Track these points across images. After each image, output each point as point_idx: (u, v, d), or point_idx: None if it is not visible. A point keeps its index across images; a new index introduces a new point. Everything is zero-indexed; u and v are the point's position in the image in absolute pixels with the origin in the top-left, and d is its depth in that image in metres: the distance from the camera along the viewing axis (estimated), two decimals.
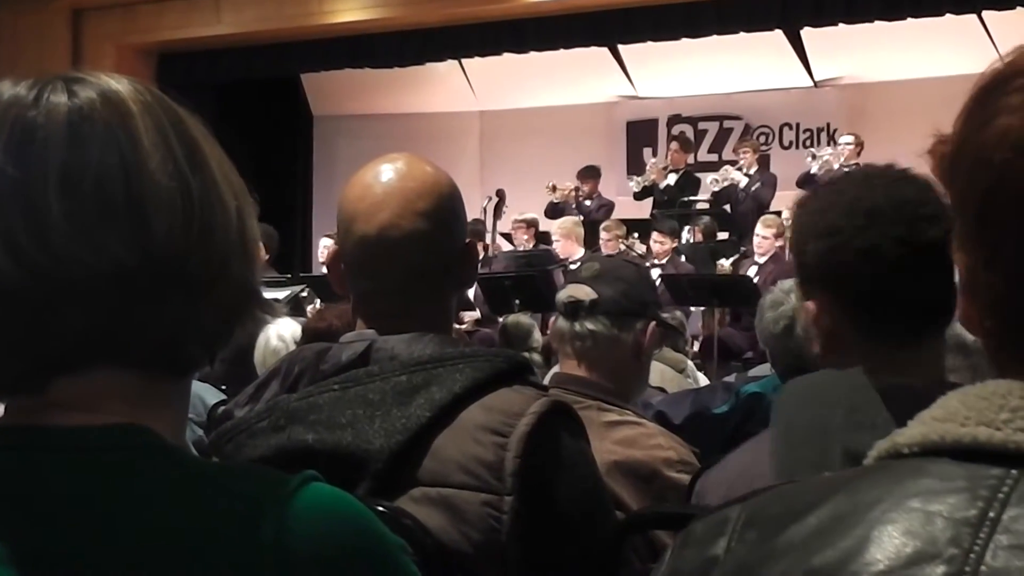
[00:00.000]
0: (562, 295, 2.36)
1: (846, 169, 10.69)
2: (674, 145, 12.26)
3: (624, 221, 10.85)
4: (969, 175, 0.75)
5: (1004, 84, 0.74)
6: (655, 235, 10.11)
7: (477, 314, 9.33)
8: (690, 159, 12.36)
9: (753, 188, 11.11)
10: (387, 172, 1.64)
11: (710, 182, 11.44)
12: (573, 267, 8.69)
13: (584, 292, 2.33)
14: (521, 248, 10.78)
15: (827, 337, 1.54)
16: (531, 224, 10.98)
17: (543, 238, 10.84)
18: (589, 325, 2.33)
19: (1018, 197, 0.71)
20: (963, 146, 0.76)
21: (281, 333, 3.86)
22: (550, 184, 12.04)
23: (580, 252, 9.75)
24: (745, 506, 0.77)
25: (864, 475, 0.73)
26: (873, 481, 0.71)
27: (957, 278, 0.81)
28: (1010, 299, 0.74)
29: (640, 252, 10.03)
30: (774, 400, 1.42)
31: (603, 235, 10.22)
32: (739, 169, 11.32)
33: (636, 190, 11.98)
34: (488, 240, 11.34)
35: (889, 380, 1.34)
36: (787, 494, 0.76)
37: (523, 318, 5.72)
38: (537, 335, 5.31)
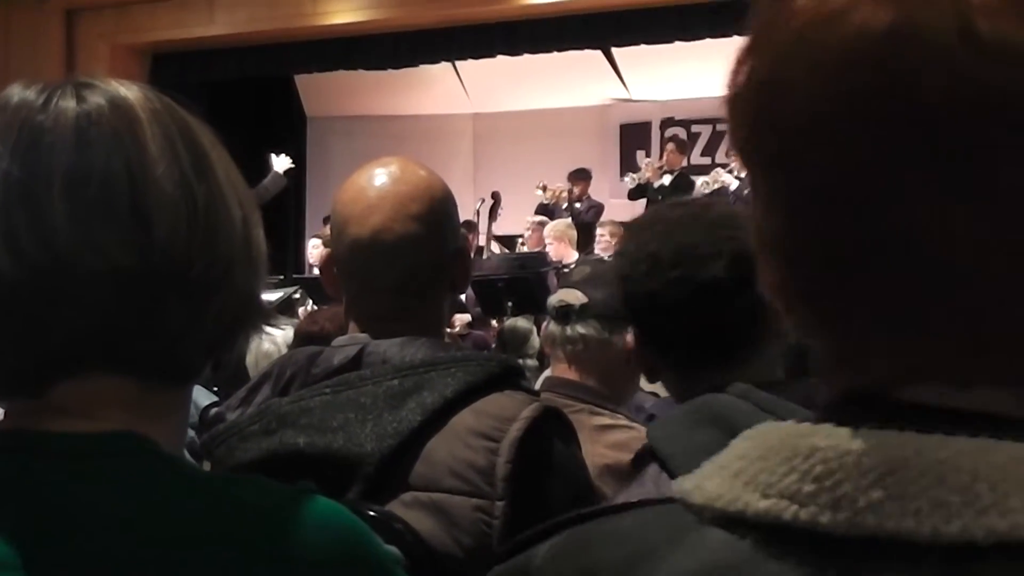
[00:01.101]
0: (553, 299, 2.37)
1: None
2: (670, 146, 12.28)
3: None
4: (738, 106, 0.65)
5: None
6: None
7: (468, 318, 9.32)
8: (684, 161, 12.39)
9: (745, 192, 11.12)
10: (380, 175, 1.64)
11: (700, 185, 11.46)
12: (566, 270, 8.70)
13: (575, 296, 2.33)
14: (516, 251, 10.78)
15: (645, 367, 1.69)
16: (543, 226, 10.96)
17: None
18: (580, 329, 2.33)
19: (782, 117, 0.61)
20: (737, 74, 0.66)
21: (273, 336, 3.86)
22: (541, 183, 12.05)
23: (573, 255, 9.75)
24: (550, 555, 0.71)
25: (672, 543, 0.63)
26: (682, 554, 0.62)
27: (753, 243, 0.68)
28: (789, 244, 0.63)
29: None
30: (650, 438, 1.46)
31: (599, 231, 10.23)
32: (730, 171, 11.34)
33: (631, 186, 12.01)
34: (482, 242, 11.34)
35: (745, 387, 1.43)
36: (595, 543, 0.68)
37: (521, 322, 5.69)
38: (535, 340, 5.27)
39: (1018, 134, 0.56)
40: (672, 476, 1.35)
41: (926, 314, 0.59)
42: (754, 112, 0.63)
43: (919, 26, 0.57)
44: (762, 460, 0.62)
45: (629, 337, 1.67)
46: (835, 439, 0.59)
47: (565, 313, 2.33)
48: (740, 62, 0.65)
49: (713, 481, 0.63)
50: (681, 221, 1.61)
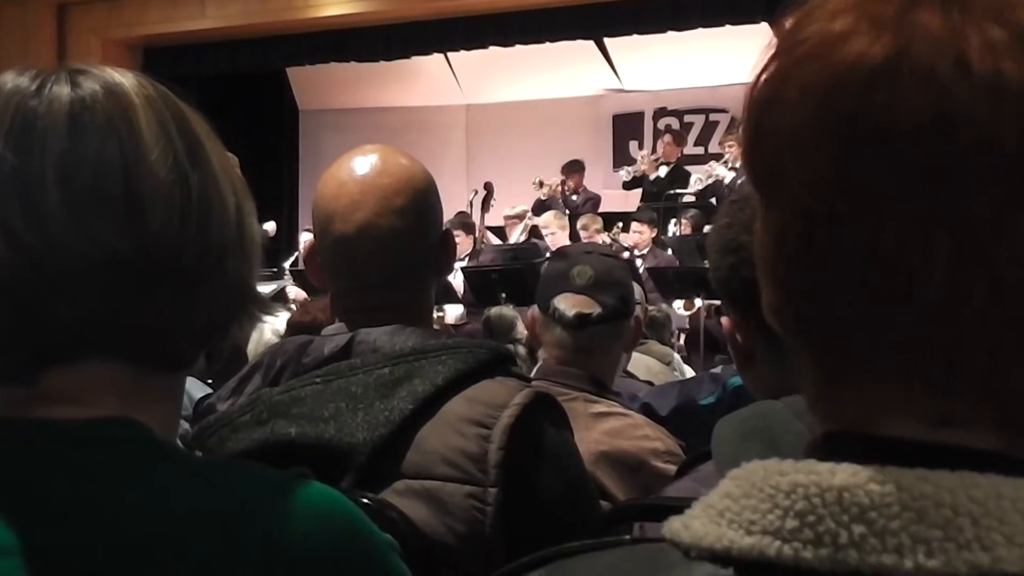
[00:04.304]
0: (566, 310, 2.32)
1: None
2: (667, 138, 12.31)
3: (609, 214, 10.89)
4: (746, 123, 0.65)
5: (795, 28, 0.64)
6: (634, 225, 10.16)
7: (460, 309, 9.30)
8: (680, 152, 12.40)
9: (739, 182, 11.12)
10: (361, 167, 1.62)
11: (694, 181, 11.46)
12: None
13: (589, 305, 2.31)
14: (510, 242, 10.78)
15: (740, 354, 1.56)
16: (522, 217, 10.97)
17: (536, 230, 10.82)
18: (596, 337, 2.32)
19: (775, 135, 0.61)
20: (748, 98, 0.65)
21: (276, 327, 3.84)
22: (537, 180, 12.05)
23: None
24: None
25: (663, 572, 0.64)
26: None
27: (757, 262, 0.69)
28: (776, 260, 0.63)
29: (626, 246, 10.05)
30: (714, 436, 1.41)
31: (582, 233, 10.26)
32: (724, 163, 11.34)
33: (626, 179, 12.02)
34: (476, 233, 11.33)
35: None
36: (588, 572, 0.69)
37: (506, 310, 5.70)
38: (520, 327, 5.28)
39: (1000, 168, 0.56)
40: None
41: (902, 346, 0.59)
42: (753, 129, 0.63)
43: (912, 55, 0.57)
44: (746, 498, 0.62)
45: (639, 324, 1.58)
46: (816, 475, 0.60)
47: (582, 323, 2.31)
48: (755, 78, 0.66)
49: (700, 520, 0.64)
50: None
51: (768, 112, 0.62)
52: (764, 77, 0.64)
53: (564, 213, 11.02)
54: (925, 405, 0.60)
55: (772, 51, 0.65)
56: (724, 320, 1.56)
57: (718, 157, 11.65)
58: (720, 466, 1.31)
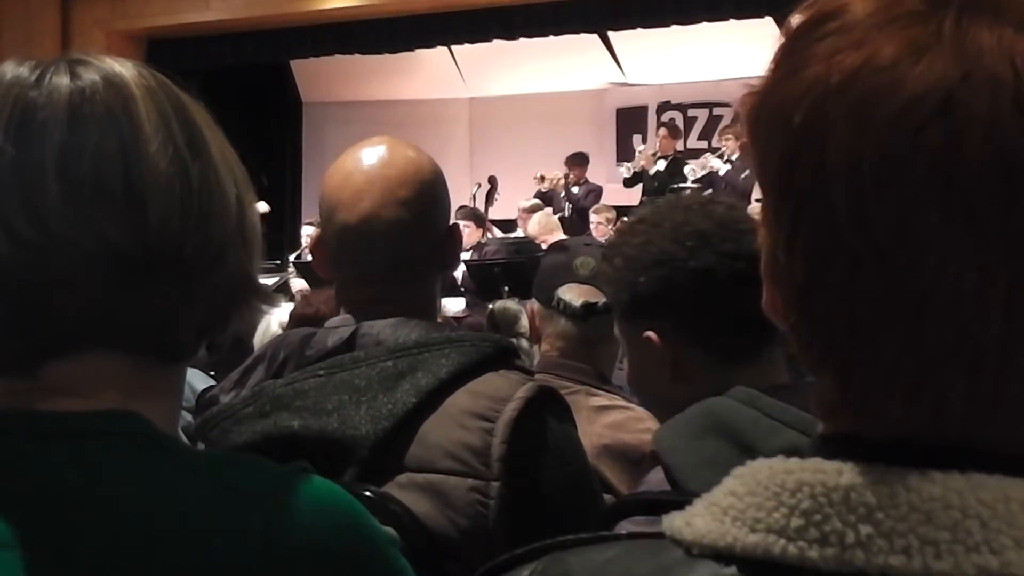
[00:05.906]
0: (572, 300, 2.32)
1: None
2: (662, 131, 12.31)
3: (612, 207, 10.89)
4: (769, 134, 0.63)
5: (815, 28, 0.63)
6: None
7: (462, 303, 9.29)
8: (679, 145, 12.38)
9: (743, 176, 11.09)
10: (368, 159, 1.62)
11: (688, 171, 11.44)
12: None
13: (595, 294, 2.31)
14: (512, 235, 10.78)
15: (674, 365, 1.53)
16: (535, 211, 10.94)
17: None
18: (600, 327, 2.32)
19: (818, 163, 0.59)
20: (767, 98, 0.64)
21: (282, 320, 3.83)
22: (538, 175, 12.05)
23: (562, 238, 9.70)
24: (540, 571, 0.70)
25: (664, 570, 0.64)
26: None
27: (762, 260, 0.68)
28: (810, 289, 0.62)
29: None
30: (656, 445, 1.37)
31: (593, 218, 10.26)
32: (720, 155, 11.33)
33: (627, 176, 12.01)
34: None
35: (750, 392, 1.33)
36: (576, 572, 0.68)
37: (510, 304, 5.70)
38: (524, 321, 5.29)
39: None
40: (675, 486, 1.31)
41: (947, 383, 0.58)
42: (786, 147, 0.62)
43: (970, 89, 0.56)
44: (751, 496, 0.62)
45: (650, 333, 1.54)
46: (822, 474, 0.59)
47: (589, 313, 2.31)
48: (767, 89, 0.64)
49: (703, 518, 0.63)
50: (703, 204, 1.56)
51: (807, 134, 0.60)
52: (790, 93, 0.62)
53: (563, 206, 11.01)
54: (947, 417, 0.59)
55: (787, 59, 0.64)
56: (650, 334, 1.52)
57: (716, 151, 11.64)
58: (676, 473, 1.29)
